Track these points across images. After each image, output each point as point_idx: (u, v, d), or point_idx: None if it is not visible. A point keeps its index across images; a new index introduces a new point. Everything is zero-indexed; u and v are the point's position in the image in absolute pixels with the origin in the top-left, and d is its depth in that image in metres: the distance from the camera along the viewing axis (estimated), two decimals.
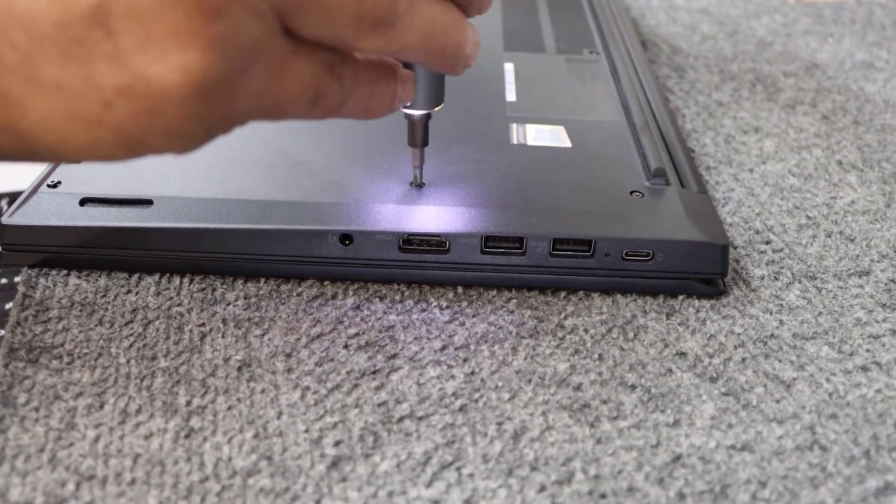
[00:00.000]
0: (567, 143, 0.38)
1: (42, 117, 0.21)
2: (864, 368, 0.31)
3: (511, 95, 0.42)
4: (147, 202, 0.33)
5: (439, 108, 0.32)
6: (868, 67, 0.55)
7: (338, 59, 0.24)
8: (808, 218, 0.39)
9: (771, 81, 0.53)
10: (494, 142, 0.37)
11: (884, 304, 0.34)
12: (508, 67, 0.44)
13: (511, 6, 0.52)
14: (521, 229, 0.32)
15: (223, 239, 0.33)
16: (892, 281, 0.35)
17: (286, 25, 0.22)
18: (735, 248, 0.37)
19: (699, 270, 0.33)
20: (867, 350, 0.32)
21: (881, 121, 0.48)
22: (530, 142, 0.37)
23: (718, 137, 0.46)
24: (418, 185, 0.34)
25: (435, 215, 0.32)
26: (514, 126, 0.39)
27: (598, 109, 0.41)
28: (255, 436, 0.28)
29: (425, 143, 0.33)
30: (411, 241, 0.32)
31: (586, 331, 0.32)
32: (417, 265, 0.33)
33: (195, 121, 0.21)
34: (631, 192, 0.34)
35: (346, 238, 0.32)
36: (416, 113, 0.32)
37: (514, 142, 0.37)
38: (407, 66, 0.28)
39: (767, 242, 0.37)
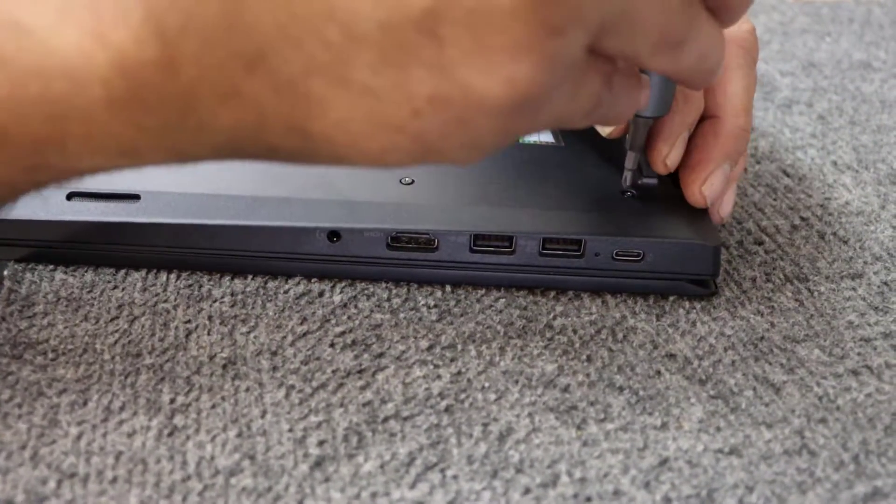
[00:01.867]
0: (560, 141, 0.37)
1: (340, 120, 0.20)
2: (855, 372, 0.31)
3: None
4: (135, 197, 0.33)
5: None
6: (865, 67, 0.55)
7: (612, 70, 0.23)
8: (802, 219, 0.39)
9: (767, 80, 0.52)
10: None
11: (876, 308, 0.34)
12: None
13: None
14: (511, 228, 0.32)
15: (211, 235, 0.33)
16: (885, 284, 0.35)
17: (594, 40, 0.21)
18: (727, 248, 0.37)
19: (690, 271, 0.33)
20: (858, 354, 0.31)
21: (877, 121, 0.48)
22: (522, 139, 0.37)
23: None
24: (629, 192, 0.33)
25: (423, 213, 0.32)
26: None
27: None
28: (239, 434, 0.28)
29: (643, 147, 0.33)
30: (399, 239, 0.32)
31: (575, 331, 0.32)
32: (406, 263, 0.33)
33: (499, 133, 0.21)
34: (623, 192, 0.34)
35: (333, 235, 0.32)
36: (645, 118, 0.31)
37: None
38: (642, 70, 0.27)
39: (760, 243, 0.37)
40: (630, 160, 0.33)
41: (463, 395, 0.29)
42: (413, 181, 0.34)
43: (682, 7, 0.22)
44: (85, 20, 0.19)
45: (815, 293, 0.34)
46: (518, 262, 0.32)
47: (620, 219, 0.32)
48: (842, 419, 0.29)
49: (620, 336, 0.31)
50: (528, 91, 0.20)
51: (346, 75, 0.19)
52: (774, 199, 0.40)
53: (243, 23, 0.19)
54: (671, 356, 0.31)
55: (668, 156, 0.32)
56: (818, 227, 0.38)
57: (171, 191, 0.33)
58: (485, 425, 0.28)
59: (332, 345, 0.31)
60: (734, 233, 0.38)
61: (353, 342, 0.31)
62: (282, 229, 0.32)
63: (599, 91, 0.23)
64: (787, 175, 0.42)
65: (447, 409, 0.28)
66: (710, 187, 0.32)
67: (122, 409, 0.28)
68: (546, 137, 0.37)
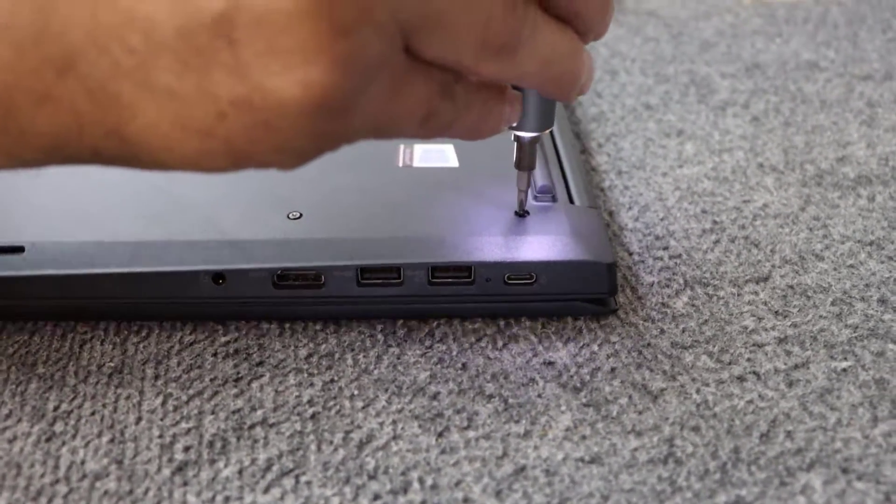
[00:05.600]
0: (454, 163, 0.37)
1: (150, 123, 0.21)
2: (741, 378, 0.30)
3: None
4: (19, 249, 0.32)
5: (548, 130, 0.31)
6: (812, 67, 0.54)
7: (451, 79, 0.23)
8: (715, 222, 0.38)
9: (706, 83, 0.52)
10: (379, 165, 0.36)
11: (776, 312, 0.33)
12: None
13: None
14: (397, 259, 0.31)
15: (94, 284, 0.32)
16: (791, 287, 0.35)
17: (408, 44, 0.21)
18: (630, 254, 0.36)
19: (585, 291, 0.32)
20: (748, 359, 0.31)
21: (813, 122, 0.47)
22: (416, 163, 0.36)
23: (638, 141, 0.45)
24: (523, 213, 0.33)
25: (310, 248, 0.31)
26: (402, 148, 0.38)
27: None
28: (111, 440, 0.28)
29: (532, 166, 0.32)
30: (286, 277, 0.31)
31: (455, 339, 0.31)
32: (294, 301, 0.32)
33: (308, 137, 0.21)
34: (515, 212, 0.33)
35: (218, 277, 0.31)
36: (526, 135, 0.31)
37: (400, 164, 0.37)
38: (516, 87, 0.27)
39: (665, 248, 0.37)
40: (521, 180, 0.33)
41: (332, 403, 0.29)
42: (301, 215, 0.33)
43: (507, 10, 0.22)
44: None
45: (714, 298, 0.34)
46: (407, 292, 0.31)
47: (511, 241, 0.32)
48: (716, 427, 0.28)
49: (501, 344, 0.31)
50: (325, 93, 0.20)
51: (150, 80, 0.20)
52: (689, 203, 0.40)
53: (52, 30, 0.20)
54: (549, 364, 0.30)
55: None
56: (730, 231, 0.38)
57: (55, 240, 0.32)
58: (347, 432, 0.28)
59: (215, 354, 0.31)
60: (641, 238, 0.37)
61: (236, 351, 0.31)
62: (165, 274, 0.31)
63: (429, 98, 0.23)
64: (708, 178, 0.42)
65: (313, 417, 0.28)
66: None
67: (7, 416, 0.29)
68: (441, 161, 0.37)
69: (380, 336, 0.31)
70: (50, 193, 0.35)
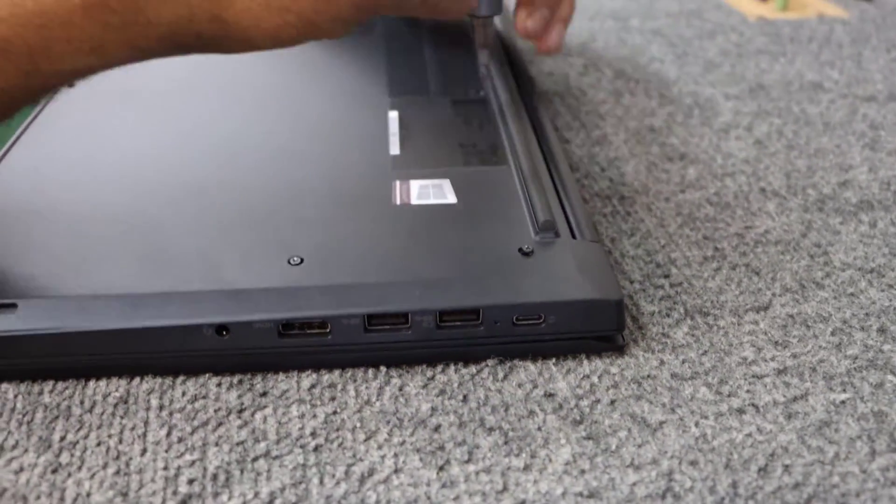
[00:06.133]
0: (452, 199, 0.36)
1: (245, 7, 0.29)
2: (740, 411, 0.30)
3: (395, 148, 0.40)
4: (11, 306, 0.31)
5: (499, 15, 0.41)
6: (816, 88, 0.54)
7: None
8: (716, 249, 0.39)
9: (710, 105, 0.52)
10: (376, 203, 0.36)
11: (776, 342, 0.33)
12: (393, 116, 0.43)
13: (397, 50, 0.51)
14: (405, 304, 0.31)
15: (92, 341, 0.31)
16: (791, 316, 0.35)
17: None
18: (631, 282, 0.36)
19: (594, 328, 0.32)
20: (747, 391, 0.31)
21: (816, 144, 0.48)
22: (414, 200, 0.36)
23: (640, 165, 0.45)
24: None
25: (314, 296, 0.31)
26: (398, 183, 0.37)
27: (485, 156, 0.40)
28: (117, 472, 0.28)
29: (489, 44, 0.45)
30: (291, 326, 0.31)
31: (457, 371, 0.32)
32: (300, 350, 0.31)
33: (356, 7, 0.30)
34: (519, 250, 0.33)
35: (222, 329, 0.31)
36: (483, 16, 0.42)
37: (397, 202, 0.36)
38: None
39: (666, 276, 0.37)
40: (482, 56, 0.45)
41: (334, 435, 0.29)
42: (302, 260, 0.32)
43: None
44: None
45: (714, 328, 0.34)
46: (416, 337, 0.31)
47: (518, 282, 0.32)
48: (714, 461, 0.28)
49: (501, 376, 0.32)
50: None
51: None
52: (691, 230, 0.40)
53: None
54: (549, 395, 0.31)
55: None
56: (731, 259, 0.38)
57: (49, 295, 0.31)
58: (349, 465, 0.28)
59: (219, 384, 0.31)
60: (642, 266, 0.38)
61: (240, 381, 0.32)
62: (167, 329, 0.31)
63: None
64: (710, 204, 0.42)
65: (316, 449, 0.29)
66: (533, 22, 0.45)
67: (14, 446, 0.29)
68: (438, 197, 0.37)
69: (382, 367, 0.32)
70: (41, 247, 0.34)
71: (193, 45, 0.30)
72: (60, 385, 0.32)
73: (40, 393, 0.31)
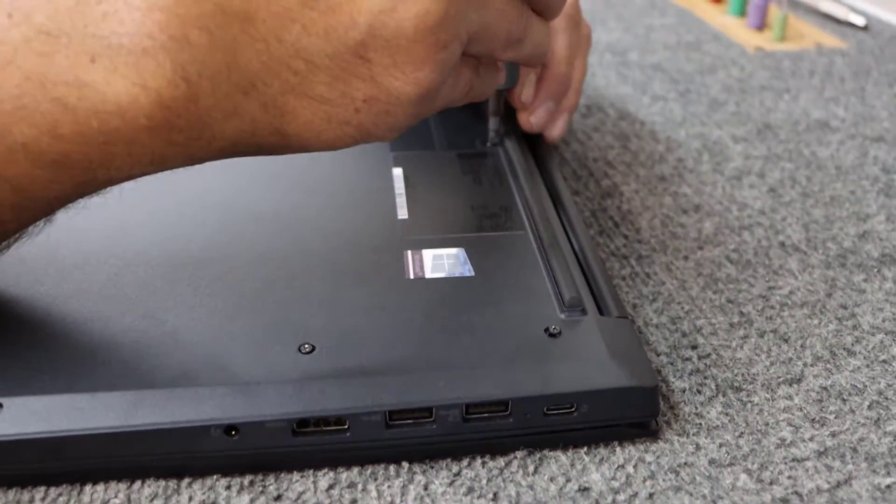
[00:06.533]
0: (469, 272, 0.34)
1: (306, 122, 0.29)
2: (784, 501, 0.29)
3: (403, 212, 0.38)
4: None
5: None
6: (823, 128, 0.53)
7: (478, 63, 0.33)
8: (742, 315, 0.37)
9: (719, 149, 0.51)
10: (388, 278, 0.34)
11: (812, 419, 0.32)
12: (397, 174, 0.41)
13: None
14: (429, 398, 0.29)
15: (87, 445, 0.28)
16: (825, 389, 0.33)
17: (465, 49, 0.30)
18: (658, 355, 0.35)
19: (629, 416, 0.30)
20: (788, 477, 0.30)
21: (831, 191, 0.46)
22: (428, 273, 0.34)
23: (655, 220, 0.44)
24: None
25: (330, 389, 0.29)
26: (410, 254, 0.35)
27: (499, 221, 0.38)
28: None
29: (500, 113, 0.44)
30: (306, 423, 0.29)
31: (484, 464, 0.30)
32: (316, 448, 0.29)
33: (411, 118, 0.30)
34: (545, 331, 0.31)
35: (231, 429, 0.28)
36: (502, 90, 0.42)
37: (411, 275, 0.34)
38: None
39: (694, 347, 0.35)
40: (493, 122, 0.44)
41: None
42: (313, 348, 0.30)
43: (518, 16, 0.32)
44: (130, 74, 0.26)
45: (748, 405, 0.33)
46: (441, 432, 0.29)
47: (548, 369, 0.30)
48: None
49: (532, 468, 0.30)
50: (429, 87, 0.29)
51: (309, 91, 0.28)
52: (714, 293, 0.38)
53: (238, 64, 0.27)
54: (585, 490, 0.29)
55: (521, 94, 0.44)
56: (758, 325, 0.37)
57: (38, 395, 0.28)
58: None
59: (228, 486, 0.29)
60: (668, 335, 0.36)
61: (252, 483, 0.29)
62: (170, 431, 0.28)
63: (471, 79, 0.33)
64: (731, 262, 0.41)
65: None
66: (537, 118, 0.45)
67: None
68: (455, 269, 0.35)
69: (404, 463, 0.30)
70: (28, 341, 0.31)
71: (256, 152, 0.30)
72: (53, 491, 0.29)
73: (31, 501, 0.29)
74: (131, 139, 0.27)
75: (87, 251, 0.36)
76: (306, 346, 0.30)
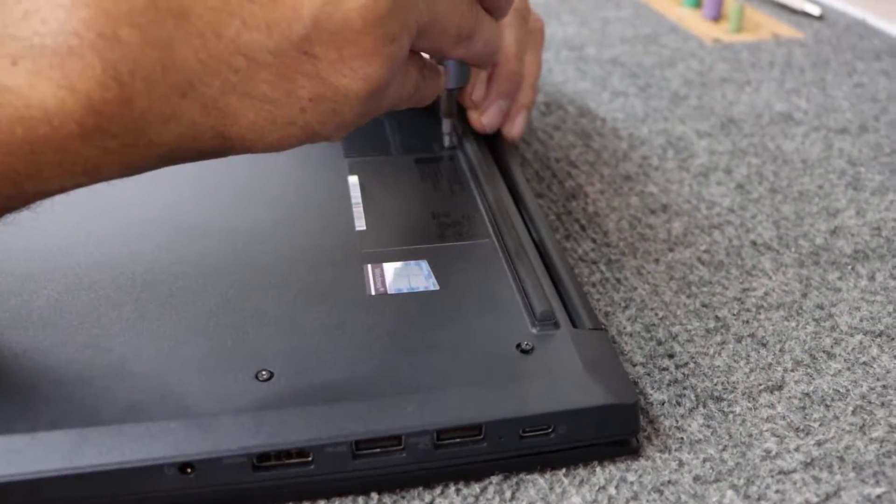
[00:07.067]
0: (434, 285, 0.32)
1: (250, 123, 0.27)
2: None
3: (360, 222, 0.36)
4: None
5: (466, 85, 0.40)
6: (786, 120, 0.52)
7: (423, 63, 0.32)
8: (717, 319, 0.36)
9: (684, 145, 0.49)
10: (348, 295, 0.32)
11: (797, 428, 0.31)
12: (353, 182, 0.39)
13: None
14: (398, 425, 0.27)
15: (27, 490, 0.25)
16: (807, 395, 0.32)
17: (413, 44, 0.29)
18: (634, 365, 0.33)
19: (608, 434, 0.28)
20: (777, 492, 0.28)
21: (799, 186, 0.45)
22: (391, 289, 0.32)
23: (623, 222, 0.42)
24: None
25: (291, 421, 0.27)
26: (370, 268, 0.33)
27: (462, 228, 0.36)
28: None
29: (453, 114, 0.42)
30: (267, 457, 0.26)
31: (458, 492, 0.28)
32: (278, 483, 0.27)
33: (359, 116, 0.28)
34: (517, 347, 0.29)
35: (186, 467, 0.26)
36: (451, 90, 0.40)
37: (372, 291, 0.32)
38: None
39: (671, 356, 0.34)
40: (446, 125, 0.42)
41: None
42: (271, 375, 0.28)
43: (469, 11, 0.31)
44: (55, 76, 0.24)
45: (730, 416, 0.31)
46: (411, 460, 0.27)
47: (522, 388, 0.28)
48: None
49: (509, 494, 0.28)
50: (378, 83, 0.27)
51: (251, 91, 0.26)
52: (688, 297, 0.37)
53: (174, 63, 0.25)
54: None
55: (472, 93, 0.42)
56: (735, 329, 0.35)
57: None
58: None
59: None
60: (643, 345, 0.34)
61: None
62: (120, 472, 0.26)
63: (417, 79, 0.31)
64: (703, 263, 0.39)
65: None
66: (488, 118, 0.43)
67: None
68: (418, 283, 0.33)
69: (374, 494, 0.28)
70: None
71: (196, 157, 0.28)
72: None
73: None
74: (61, 147, 0.25)
75: (21, 274, 0.33)
76: (264, 372, 0.28)
